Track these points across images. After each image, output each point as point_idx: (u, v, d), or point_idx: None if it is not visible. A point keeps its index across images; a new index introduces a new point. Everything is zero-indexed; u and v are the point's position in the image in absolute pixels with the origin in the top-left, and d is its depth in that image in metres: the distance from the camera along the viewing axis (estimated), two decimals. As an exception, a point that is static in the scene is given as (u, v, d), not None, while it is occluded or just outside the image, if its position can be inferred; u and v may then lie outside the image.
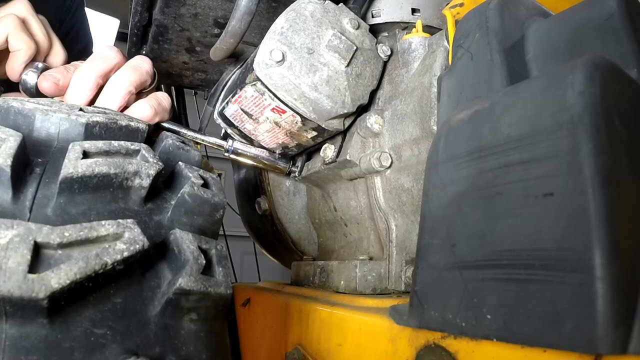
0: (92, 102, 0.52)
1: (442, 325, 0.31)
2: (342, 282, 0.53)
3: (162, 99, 0.57)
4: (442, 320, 0.30)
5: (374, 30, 0.59)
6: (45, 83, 0.53)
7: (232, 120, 0.60)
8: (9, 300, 0.24)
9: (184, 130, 0.61)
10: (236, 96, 0.55)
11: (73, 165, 0.30)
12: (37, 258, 0.26)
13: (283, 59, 0.50)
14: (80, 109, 0.37)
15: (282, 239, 0.77)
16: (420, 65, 0.53)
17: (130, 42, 0.69)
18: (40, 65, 0.55)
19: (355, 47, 0.53)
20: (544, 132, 0.27)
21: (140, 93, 0.57)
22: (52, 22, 0.61)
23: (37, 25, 0.58)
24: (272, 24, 0.51)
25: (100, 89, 0.53)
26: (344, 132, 0.58)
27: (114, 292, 0.28)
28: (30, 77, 0.54)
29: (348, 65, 0.53)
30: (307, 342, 0.49)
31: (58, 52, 0.61)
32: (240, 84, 0.54)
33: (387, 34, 0.61)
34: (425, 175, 0.36)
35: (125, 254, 0.27)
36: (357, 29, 0.54)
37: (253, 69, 0.50)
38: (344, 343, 0.43)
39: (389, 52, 0.57)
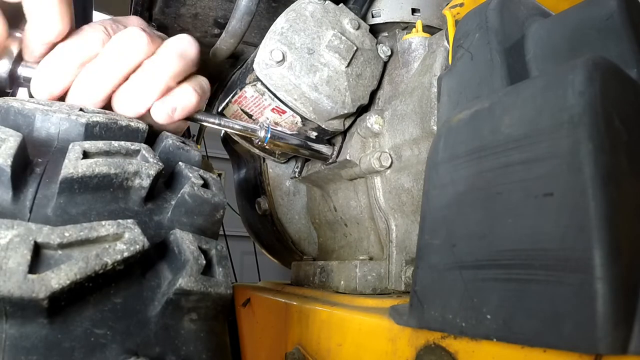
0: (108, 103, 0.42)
1: (442, 325, 0.31)
2: (342, 282, 0.53)
3: (203, 82, 0.46)
4: (442, 320, 0.30)
5: (374, 30, 0.59)
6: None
7: (232, 121, 0.60)
8: (9, 300, 0.24)
9: (217, 120, 0.50)
10: (236, 96, 0.55)
11: (73, 165, 0.30)
12: (37, 258, 0.26)
13: (283, 59, 0.50)
14: (80, 109, 0.37)
15: (282, 239, 0.77)
16: (420, 65, 0.53)
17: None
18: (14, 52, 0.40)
19: (355, 48, 0.53)
20: (544, 132, 0.27)
21: None
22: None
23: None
24: (272, 24, 0.51)
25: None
26: (344, 132, 0.58)
27: (114, 292, 0.28)
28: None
29: (348, 65, 0.53)
30: (307, 342, 0.49)
31: None
32: (240, 84, 0.54)
33: (387, 34, 0.61)
34: (425, 175, 0.36)
35: (125, 254, 0.27)
36: (357, 29, 0.54)
37: (253, 69, 0.50)
38: (344, 343, 0.43)
39: (389, 52, 0.57)
